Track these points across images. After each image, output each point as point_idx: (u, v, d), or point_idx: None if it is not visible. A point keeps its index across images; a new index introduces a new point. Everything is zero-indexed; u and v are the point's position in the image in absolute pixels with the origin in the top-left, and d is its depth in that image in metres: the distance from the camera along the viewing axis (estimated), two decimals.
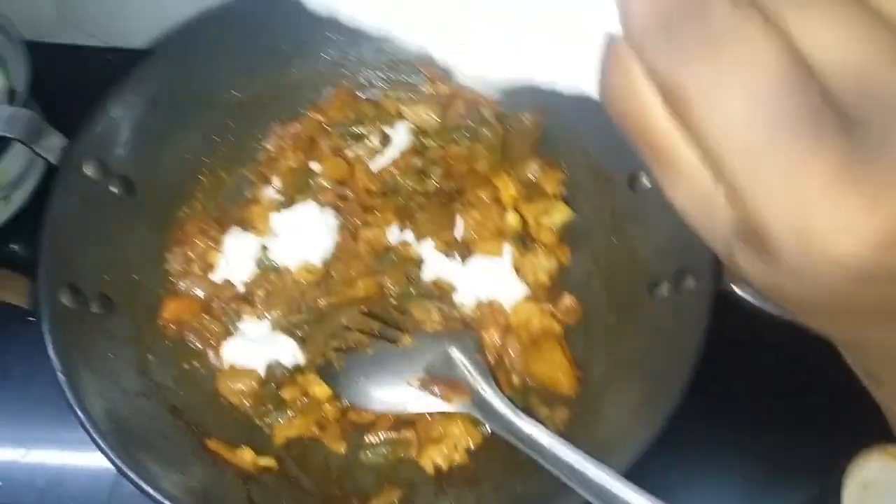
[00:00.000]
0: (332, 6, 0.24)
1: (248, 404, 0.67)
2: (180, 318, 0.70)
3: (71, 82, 0.90)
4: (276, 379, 0.68)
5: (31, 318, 0.60)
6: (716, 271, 0.62)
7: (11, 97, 0.76)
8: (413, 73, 0.83)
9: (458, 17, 0.25)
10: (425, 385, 0.63)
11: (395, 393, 0.64)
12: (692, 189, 0.21)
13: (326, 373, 0.66)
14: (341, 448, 0.66)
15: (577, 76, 0.26)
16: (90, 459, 0.70)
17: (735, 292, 0.72)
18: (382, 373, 0.64)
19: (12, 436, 0.73)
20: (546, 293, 0.73)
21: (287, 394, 0.67)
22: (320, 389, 0.66)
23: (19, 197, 0.81)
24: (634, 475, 0.54)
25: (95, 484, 0.70)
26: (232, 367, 0.69)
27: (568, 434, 0.61)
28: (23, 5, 0.87)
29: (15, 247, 0.82)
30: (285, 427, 0.65)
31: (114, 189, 0.68)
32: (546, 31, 0.24)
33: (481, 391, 0.62)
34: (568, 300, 0.72)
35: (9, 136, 0.63)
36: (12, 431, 0.74)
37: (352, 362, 0.65)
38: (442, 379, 0.63)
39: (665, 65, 0.19)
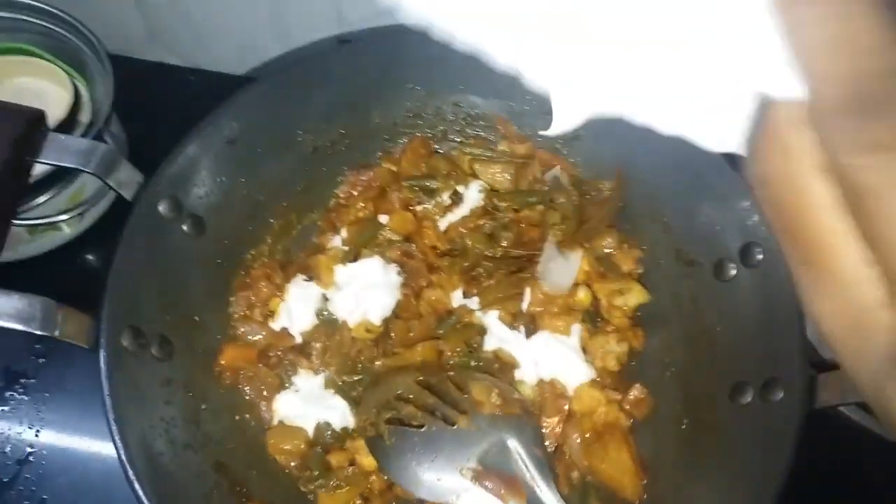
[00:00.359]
0: (428, 19, 0.24)
1: (293, 466, 0.65)
2: (237, 365, 0.68)
3: (153, 100, 0.92)
4: (325, 442, 0.66)
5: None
6: (810, 386, 0.57)
7: (94, 116, 0.77)
8: (490, 129, 0.81)
9: (555, 36, 0.23)
10: (479, 478, 0.59)
11: (446, 481, 0.60)
12: (847, 302, 0.18)
13: (375, 445, 0.63)
14: None
15: (680, 118, 0.24)
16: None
17: (842, 412, 0.66)
18: (434, 456, 0.61)
19: (65, 451, 0.73)
20: (614, 380, 0.69)
21: (334, 459, 0.65)
22: (369, 460, 0.63)
23: (94, 213, 0.82)
24: None
25: None
26: (282, 424, 0.67)
27: None
28: (112, 20, 0.88)
29: (89, 258, 0.83)
30: (330, 497, 0.62)
31: (185, 228, 0.68)
32: (655, 60, 0.22)
33: (539, 492, 0.58)
34: (637, 391, 0.67)
35: (85, 170, 0.63)
36: (67, 445, 0.73)
37: (403, 439, 0.62)
38: (497, 473, 0.59)
39: (855, 158, 0.16)
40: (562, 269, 0.69)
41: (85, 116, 0.78)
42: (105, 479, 0.70)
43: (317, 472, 0.64)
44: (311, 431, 0.66)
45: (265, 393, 0.68)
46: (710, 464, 0.60)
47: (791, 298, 0.60)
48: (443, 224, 0.76)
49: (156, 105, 0.91)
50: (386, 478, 0.64)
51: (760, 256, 0.63)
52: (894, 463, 0.71)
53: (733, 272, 0.66)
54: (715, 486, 0.59)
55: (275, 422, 0.67)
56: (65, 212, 0.76)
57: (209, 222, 0.69)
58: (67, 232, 0.81)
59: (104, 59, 0.78)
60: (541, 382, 0.69)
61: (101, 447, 0.72)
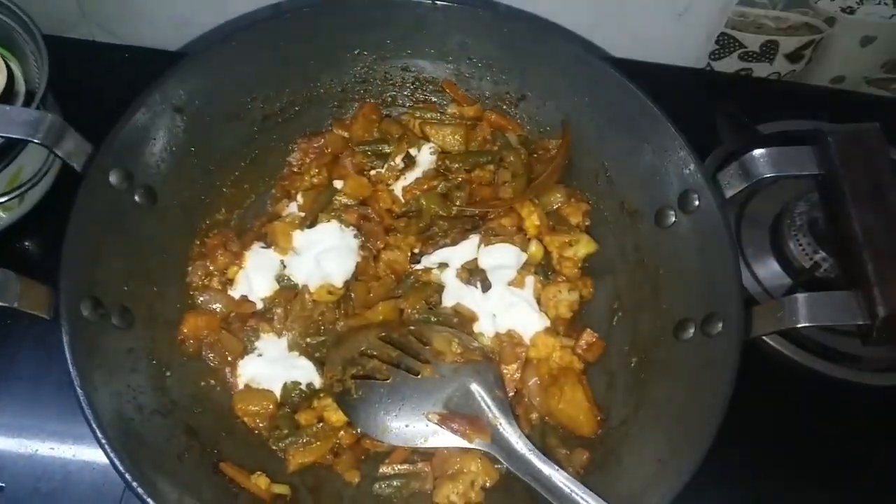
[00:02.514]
0: None
1: (262, 426, 0.66)
2: (199, 334, 0.69)
3: (88, 79, 0.90)
4: (292, 402, 0.67)
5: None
6: (747, 316, 0.61)
7: (29, 96, 0.75)
8: (438, 93, 0.82)
9: None
10: (444, 421, 0.62)
11: (413, 427, 0.63)
12: None
13: (343, 400, 0.65)
14: (355, 478, 0.65)
15: None
16: (98, 469, 0.69)
17: (766, 341, 0.71)
18: (402, 405, 0.63)
19: (19, 437, 0.72)
20: (567, 327, 0.73)
21: (303, 418, 0.66)
22: (337, 416, 0.65)
23: (35, 195, 0.80)
24: None
25: (103, 494, 0.69)
26: (248, 387, 0.68)
27: (587, 479, 0.61)
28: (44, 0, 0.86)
29: (28, 244, 0.81)
30: (300, 453, 0.64)
31: (138, 198, 0.67)
32: None
33: (501, 429, 0.62)
34: (589, 336, 0.71)
35: (33, 140, 0.61)
36: (20, 432, 0.72)
37: (370, 392, 0.64)
38: (461, 415, 0.62)
39: None
40: None
41: (19, 96, 0.76)
42: (62, 461, 0.70)
43: (286, 431, 0.65)
44: (277, 392, 0.67)
45: (229, 358, 0.69)
46: (658, 397, 0.65)
47: (725, 239, 0.64)
48: (397, 187, 0.78)
49: (92, 83, 0.89)
50: (355, 431, 0.66)
51: (697, 203, 0.67)
52: (812, 390, 0.77)
53: (673, 219, 0.70)
54: (663, 418, 0.63)
55: (240, 386, 0.68)
56: (2, 195, 0.74)
57: (161, 192, 0.69)
58: (4, 217, 0.78)
59: (38, 39, 0.76)
60: (498, 334, 0.72)
61: (57, 430, 0.71)
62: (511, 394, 0.68)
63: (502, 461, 0.61)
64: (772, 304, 0.61)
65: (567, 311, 0.73)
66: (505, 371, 0.69)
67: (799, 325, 0.58)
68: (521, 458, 0.60)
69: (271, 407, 0.66)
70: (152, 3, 0.90)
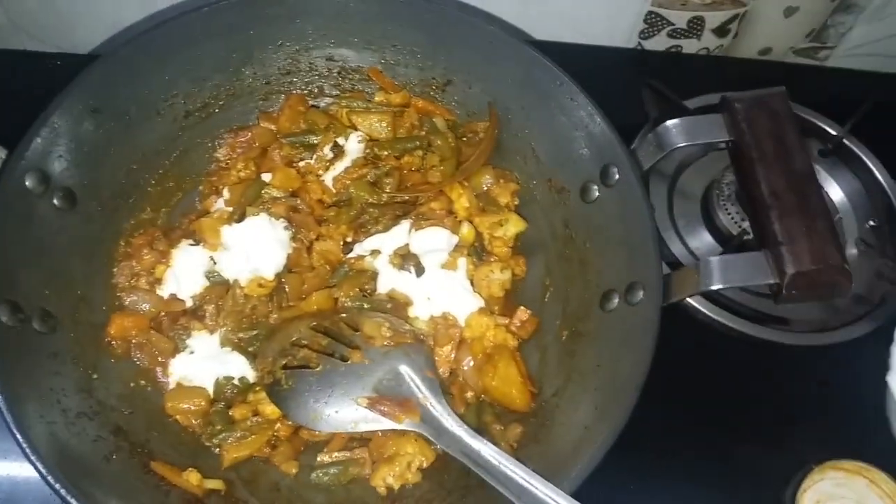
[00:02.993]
0: None
1: (196, 424, 0.66)
2: (127, 335, 0.68)
3: (21, 88, 0.88)
4: (226, 397, 0.67)
5: None
6: (665, 283, 0.62)
7: None
8: (365, 82, 0.82)
9: None
10: (373, 404, 0.62)
11: (343, 413, 0.63)
12: None
13: (274, 391, 0.65)
14: (292, 469, 0.65)
15: None
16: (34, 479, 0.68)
17: (699, 309, 0.73)
18: (331, 392, 0.64)
19: None
20: (501, 306, 0.73)
21: (238, 413, 0.66)
22: (272, 408, 0.65)
23: None
24: (585, 493, 0.54)
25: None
26: (180, 385, 0.67)
27: (521, 451, 0.62)
28: None
29: None
30: (235, 447, 0.64)
31: (56, 202, 0.66)
32: None
33: (431, 409, 0.62)
34: (522, 313, 0.72)
35: None
36: None
37: (300, 381, 0.64)
38: (391, 397, 0.62)
39: None
40: None
41: None
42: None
43: (220, 427, 0.65)
44: (210, 389, 0.67)
45: (160, 359, 0.68)
46: (586, 367, 0.66)
47: (644, 210, 0.66)
48: (327, 177, 0.78)
49: (22, 93, 0.87)
50: (290, 423, 0.66)
51: (617, 176, 0.68)
52: (743, 356, 0.79)
53: (596, 193, 0.71)
54: (591, 386, 0.64)
55: (172, 385, 0.67)
56: None
57: (81, 194, 0.68)
58: None
59: None
60: (433, 316, 0.72)
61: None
62: (446, 374, 0.69)
63: (433, 440, 0.62)
64: (688, 269, 0.62)
65: (500, 290, 0.74)
66: (440, 352, 0.70)
67: (713, 287, 0.59)
68: (451, 436, 0.60)
69: (203, 404, 0.66)
70: (79, 7, 0.89)
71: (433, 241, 0.74)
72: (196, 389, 0.67)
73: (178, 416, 0.66)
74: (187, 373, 0.68)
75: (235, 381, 0.68)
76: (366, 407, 0.62)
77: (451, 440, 0.60)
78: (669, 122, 0.65)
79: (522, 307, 0.73)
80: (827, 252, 0.57)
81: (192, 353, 0.69)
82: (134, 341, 0.68)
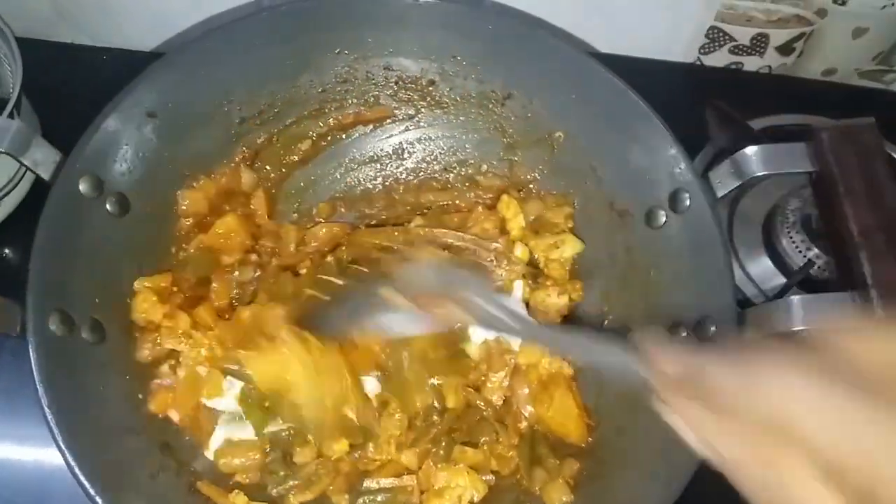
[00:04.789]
0: None
1: (254, 476, 0.62)
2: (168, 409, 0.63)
3: (66, 82, 0.87)
4: (282, 442, 0.63)
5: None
6: (739, 319, 0.59)
7: (2, 102, 0.73)
8: (420, 91, 0.80)
9: None
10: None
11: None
12: None
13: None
14: (342, 502, 0.63)
15: None
16: (73, 486, 0.66)
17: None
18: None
19: None
20: None
21: (300, 456, 0.63)
22: (337, 446, 0.62)
23: (10, 203, 0.78)
24: None
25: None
26: (228, 441, 0.63)
27: (578, 490, 0.59)
28: (17, 1, 0.83)
29: (7, 251, 0.79)
30: (301, 492, 0.61)
31: (108, 207, 0.65)
32: None
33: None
34: None
35: None
36: None
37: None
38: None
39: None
40: None
41: None
42: (40, 477, 0.68)
43: (283, 473, 0.62)
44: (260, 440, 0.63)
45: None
46: (649, 408, 0.62)
47: (717, 240, 0.63)
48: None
49: (68, 87, 0.87)
50: (355, 456, 0.63)
51: (688, 203, 0.65)
52: None
53: (663, 219, 0.68)
54: (656, 426, 0.61)
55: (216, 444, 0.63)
56: None
57: (134, 200, 0.66)
58: None
59: (11, 42, 0.74)
60: (486, 341, 0.70)
61: (36, 444, 0.69)
62: (500, 403, 0.67)
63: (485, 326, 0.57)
64: (766, 307, 0.59)
65: (557, 315, 0.71)
66: (493, 379, 0.67)
67: (794, 329, 0.56)
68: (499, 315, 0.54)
69: (258, 456, 0.62)
70: (130, 2, 0.88)
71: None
72: (246, 442, 0.63)
73: (236, 475, 0.62)
74: (232, 434, 0.63)
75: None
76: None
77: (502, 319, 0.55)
78: (749, 150, 0.62)
79: None
80: None
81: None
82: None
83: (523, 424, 0.66)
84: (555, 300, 0.71)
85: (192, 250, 0.68)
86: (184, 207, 0.69)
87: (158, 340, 0.63)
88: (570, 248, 0.74)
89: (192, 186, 0.71)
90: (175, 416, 0.62)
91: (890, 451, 0.27)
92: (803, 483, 0.28)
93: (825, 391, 0.29)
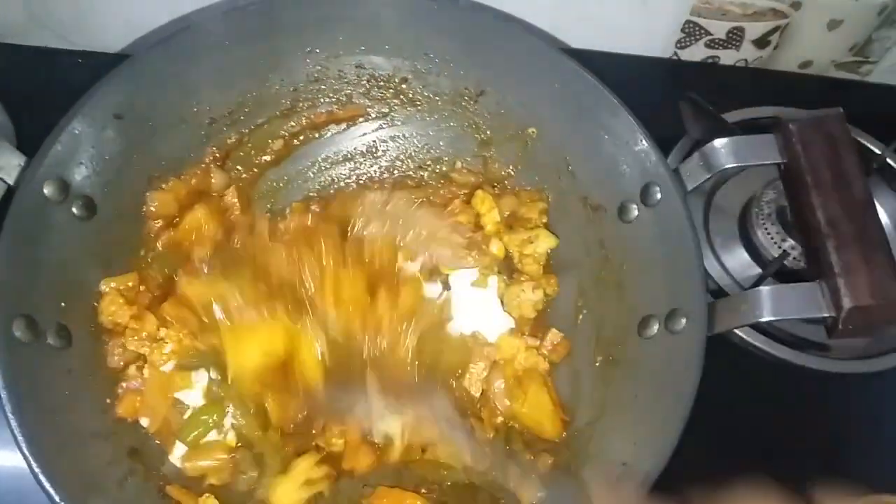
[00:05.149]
0: None
1: (226, 479, 0.61)
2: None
3: (40, 86, 0.86)
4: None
5: None
6: (710, 312, 0.59)
7: None
8: (392, 89, 0.79)
9: None
10: None
11: None
12: None
13: None
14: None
15: None
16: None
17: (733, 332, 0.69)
18: None
19: None
20: (532, 327, 0.70)
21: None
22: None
23: None
24: None
25: None
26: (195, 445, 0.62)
27: (553, 483, 0.59)
28: None
29: None
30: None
31: (75, 210, 0.64)
32: None
33: None
34: (554, 336, 0.69)
35: None
36: None
37: None
38: None
39: None
40: None
41: None
42: (9, 484, 0.66)
43: (254, 474, 0.61)
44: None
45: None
46: (623, 397, 0.63)
47: (688, 232, 0.63)
48: None
49: (44, 92, 0.86)
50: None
51: (659, 196, 0.65)
52: (783, 383, 0.75)
53: (636, 213, 0.68)
54: (628, 418, 0.61)
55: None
56: None
57: (101, 203, 0.66)
58: None
59: None
60: (463, 335, 0.69)
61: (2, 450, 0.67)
62: (477, 395, 0.66)
63: None
64: (735, 298, 0.59)
65: (532, 310, 0.71)
66: (473, 370, 0.67)
67: (763, 319, 0.56)
68: None
69: (224, 456, 0.61)
70: (103, 4, 0.87)
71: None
72: (212, 444, 0.62)
73: (208, 478, 0.61)
74: None
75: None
76: None
77: None
78: (717, 142, 0.62)
79: (554, 329, 0.70)
80: (887, 286, 0.54)
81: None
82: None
83: (499, 420, 0.66)
84: (529, 295, 0.71)
85: (159, 247, 0.67)
86: (152, 209, 0.69)
87: (125, 345, 0.62)
88: (545, 243, 0.74)
89: (161, 188, 0.70)
90: (145, 421, 0.61)
91: None
92: None
93: None
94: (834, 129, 0.60)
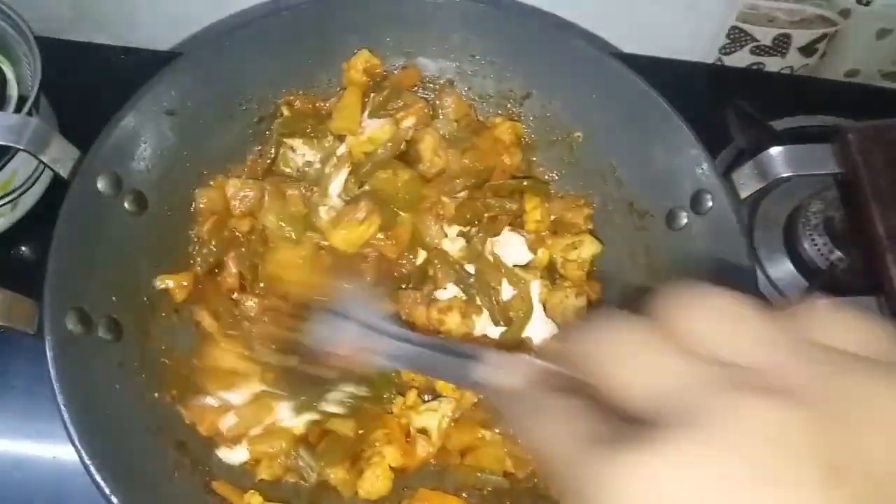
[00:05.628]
0: None
1: (278, 474, 0.61)
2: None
3: (84, 81, 0.87)
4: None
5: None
6: None
7: (22, 100, 0.73)
8: (436, 91, 0.79)
9: None
10: None
11: None
12: None
13: None
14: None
15: None
16: (89, 485, 0.66)
17: None
18: None
19: (14, 449, 0.69)
20: None
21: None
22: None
23: (28, 200, 0.78)
24: None
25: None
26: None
27: None
28: (37, 1, 0.84)
29: (24, 250, 0.79)
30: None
31: (126, 205, 0.65)
32: None
33: None
34: None
35: (15, 146, 0.59)
36: (13, 444, 0.69)
37: None
38: None
39: None
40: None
41: (11, 101, 0.73)
42: (57, 476, 0.67)
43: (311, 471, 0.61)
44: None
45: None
46: None
47: (741, 242, 0.62)
48: None
49: (87, 86, 0.86)
50: None
51: (710, 204, 0.64)
52: None
53: (685, 221, 0.67)
54: None
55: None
56: None
57: (152, 198, 0.66)
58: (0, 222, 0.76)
59: (30, 40, 0.74)
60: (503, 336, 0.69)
61: (52, 443, 0.68)
62: None
63: None
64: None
65: (574, 317, 0.70)
66: None
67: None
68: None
69: (284, 445, 0.61)
70: (148, 2, 0.88)
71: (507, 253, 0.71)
72: (277, 430, 0.61)
73: (259, 472, 0.61)
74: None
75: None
76: None
77: None
78: (773, 151, 0.61)
79: None
80: None
81: None
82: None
83: None
84: (573, 301, 0.70)
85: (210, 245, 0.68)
86: (201, 206, 0.69)
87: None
88: (589, 248, 0.73)
89: (210, 185, 0.70)
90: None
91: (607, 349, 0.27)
92: None
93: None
94: (893, 139, 0.59)
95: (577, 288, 0.71)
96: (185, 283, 0.66)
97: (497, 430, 0.66)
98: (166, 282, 0.65)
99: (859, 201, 0.58)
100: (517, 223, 0.74)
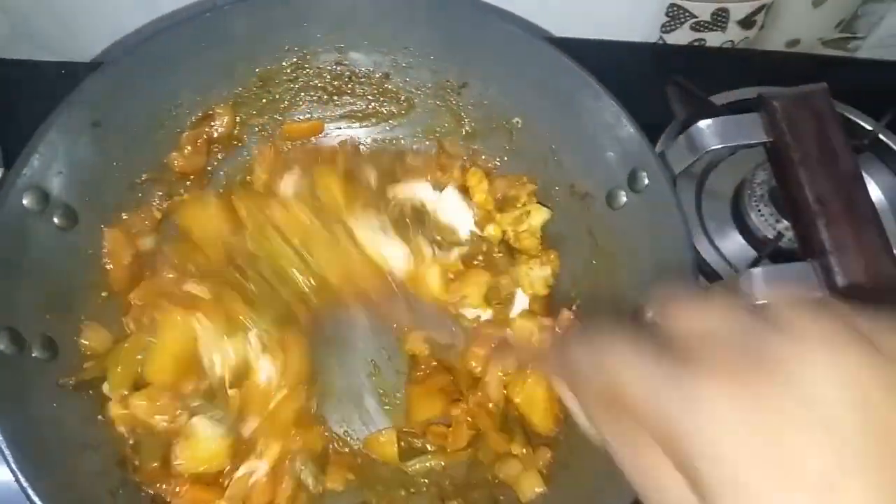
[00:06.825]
0: None
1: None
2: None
3: (21, 98, 0.86)
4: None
5: None
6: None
7: None
8: (372, 85, 0.78)
9: None
10: None
11: None
12: None
13: None
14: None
15: None
16: None
17: None
18: None
19: None
20: (544, 307, 0.70)
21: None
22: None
23: None
24: None
25: None
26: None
27: (552, 478, 0.58)
28: None
29: None
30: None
31: (56, 220, 0.63)
32: None
33: None
34: (566, 313, 0.68)
35: None
36: None
37: None
38: None
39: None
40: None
41: None
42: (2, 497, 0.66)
43: None
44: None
45: None
46: None
47: (677, 216, 0.62)
48: None
49: (29, 105, 0.84)
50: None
51: (646, 181, 0.64)
52: None
53: (624, 199, 0.67)
54: None
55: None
56: None
57: (82, 211, 0.65)
58: None
59: None
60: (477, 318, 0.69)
61: None
62: (477, 370, 0.66)
63: None
64: (727, 281, 0.58)
65: (544, 286, 0.70)
66: (473, 354, 0.67)
67: (758, 302, 0.55)
68: None
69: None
70: (83, 13, 0.86)
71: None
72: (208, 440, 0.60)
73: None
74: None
75: None
76: None
77: None
78: (702, 123, 0.61)
79: (565, 308, 0.68)
80: (880, 262, 0.53)
81: None
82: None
83: (491, 405, 0.65)
84: (538, 272, 0.70)
85: None
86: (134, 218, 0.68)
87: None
88: (538, 216, 0.73)
89: (140, 195, 0.69)
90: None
91: (683, 406, 0.27)
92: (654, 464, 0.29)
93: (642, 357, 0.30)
94: (819, 105, 0.59)
95: (538, 257, 0.71)
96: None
97: None
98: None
99: (788, 167, 0.58)
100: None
